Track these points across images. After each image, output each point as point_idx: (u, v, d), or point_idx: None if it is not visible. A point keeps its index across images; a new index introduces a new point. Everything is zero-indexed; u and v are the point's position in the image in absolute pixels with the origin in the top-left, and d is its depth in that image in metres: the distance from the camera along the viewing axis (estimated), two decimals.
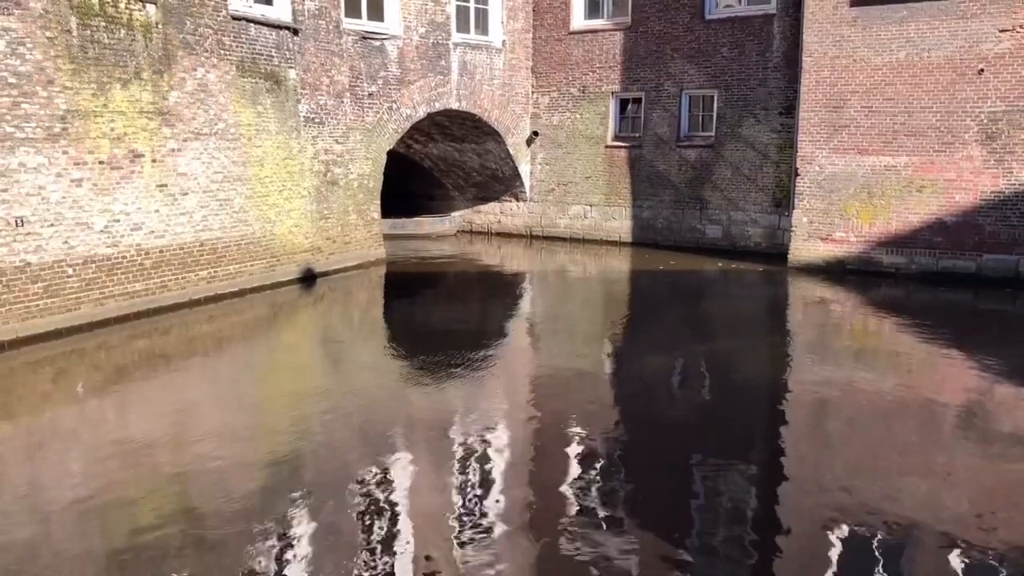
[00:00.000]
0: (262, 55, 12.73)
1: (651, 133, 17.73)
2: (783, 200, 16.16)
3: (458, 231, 20.86)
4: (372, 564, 5.01)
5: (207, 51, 11.78)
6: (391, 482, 6.25)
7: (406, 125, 16.05)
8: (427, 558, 5.10)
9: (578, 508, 5.79)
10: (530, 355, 10.50)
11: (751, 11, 16.23)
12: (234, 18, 12.16)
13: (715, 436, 7.33)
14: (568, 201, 19.12)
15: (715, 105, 16.90)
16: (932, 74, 13.55)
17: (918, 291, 13.46)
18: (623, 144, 18.19)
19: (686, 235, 17.55)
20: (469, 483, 6.20)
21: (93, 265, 10.51)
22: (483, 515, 5.67)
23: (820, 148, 14.67)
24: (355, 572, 4.90)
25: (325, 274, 14.29)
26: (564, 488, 6.11)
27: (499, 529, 5.49)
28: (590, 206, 18.83)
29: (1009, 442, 7.09)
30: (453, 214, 21.03)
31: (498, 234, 20.29)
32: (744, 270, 15.38)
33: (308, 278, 13.90)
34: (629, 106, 18.21)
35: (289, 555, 5.12)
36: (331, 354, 10.50)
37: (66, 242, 10.16)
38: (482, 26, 17.80)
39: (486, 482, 6.22)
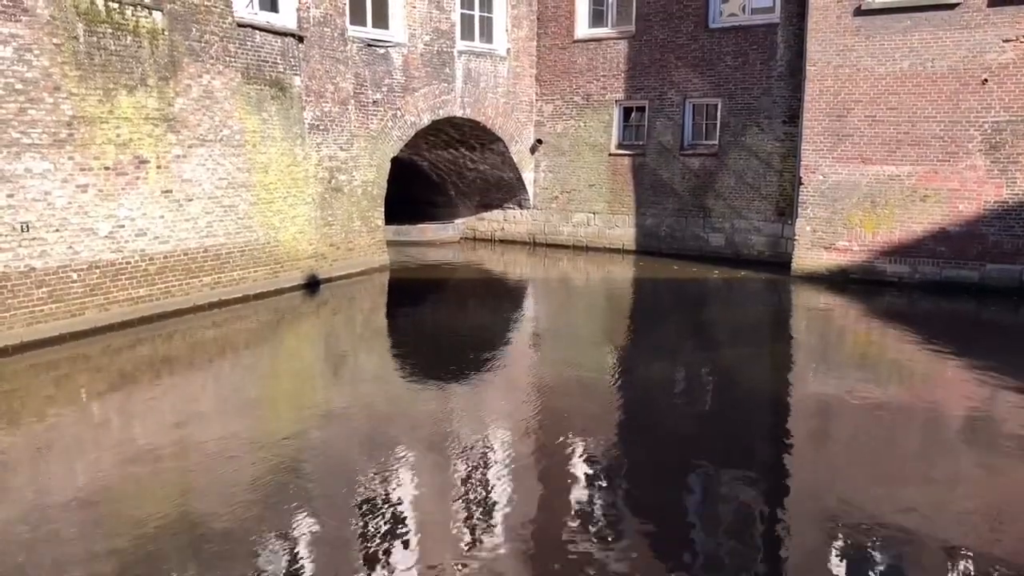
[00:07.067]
0: (267, 62, 12.78)
1: (655, 141, 17.76)
2: (786, 209, 16.17)
3: (462, 238, 20.89)
4: (374, 573, 5.01)
5: (213, 58, 11.83)
6: (393, 490, 6.25)
7: (410, 132, 16.09)
8: (429, 567, 5.10)
9: (580, 518, 5.78)
10: (532, 363, 10.49)
11: (755, 20, 16.27)
12: (240, 25, 12.23)
13: (717, 445, 7.32)
14: (571, 209, 19.15)
15: (719, 114, 16.92)
16: (936, 84, 13.57)
17: (921, 300, 13.44)
18: (627, 152, 18.21)
19: (689, 243, 17.56)
20: (471, 492, 6.20)
21: (97, 270, 10.55)
22: (484, 524, 5.67)
23: (823, 157, 14.68)
24: None
25: (329, 280, 14.32)
26: (566, 497, 6.10)
27: (500, 537, 5.48)
28: (593, 214, 18.85)
29: (1013, 451, 7.08)
30: (457, 221, 21.07)
31: (501, 241, 20.31)
32: (747, 279, 15.37)
33: (312, 284, 13.92)
34: (633, 114, 18.24)
35: (291, 564, 5.12)
36: (334, 361, 10.51)
37: (71, 247, 10.19)
38: (486, 34, 17.86)
39: (488, 491, 6.21)
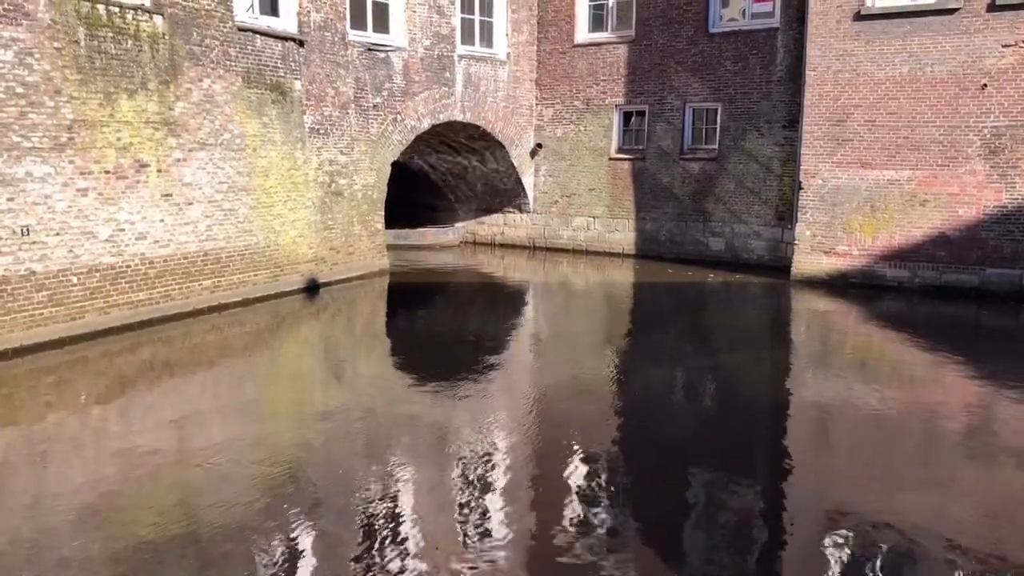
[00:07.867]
0: (268, 66, 12.80)
1: (655, 146, 17.77)
2: (786, 213, 16.18)
3: (462, 242, 20.89)
4: None
5: (213, 62, 11.85)
6: (392, 495, 6.25)
7: (410, 136, 16.11)
8: (427, 572, 5.10)
9: (580, 522, 5.77)
10: (532, 368, 10.49)
11: (755, 25, 16.29)
12: (240, 29, 12.24)
13: (716, 449, 7.32)
14: (571, 213, 19.16)
15: (718, 118, 16.94)
16: (935, 88, 13.59)
17: (921, 305, 13.44)
18: (627, 156, 18.23)
19: (689, 247, 17.56)
20: (470, 497, 6.19)
21: (97, 274, 10.55)
22: (483, 528, 5.67)
23: (823, 161, 14.70)
24: None
25: (328, 284, 14.32)
26: (565, 501, 6.10)
27: (499, 541, 5.48)
28: (593, 218, 18.86)
29: (1011, 456, 7.07)
30: (457, 225, 21.08)
31: (501, 245, 20.32)
32: (747, 283, 15.37)
33: (311, 288, 13.92)
34: (633, 119, 18.26)
35: (290, 569, 5.11)
36: (333, 365, 10.51)
37: (71, 251, 10.20)
38: (487, 38, 17.89)
39: (487, 495, 6.21)
